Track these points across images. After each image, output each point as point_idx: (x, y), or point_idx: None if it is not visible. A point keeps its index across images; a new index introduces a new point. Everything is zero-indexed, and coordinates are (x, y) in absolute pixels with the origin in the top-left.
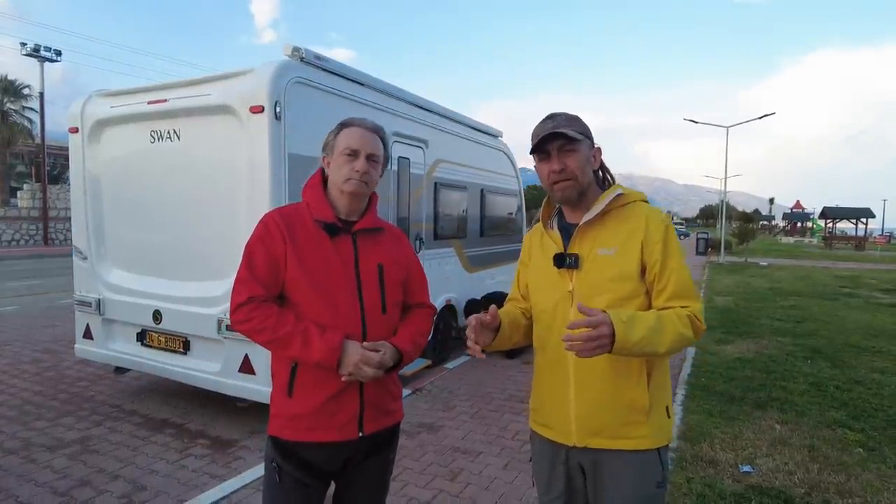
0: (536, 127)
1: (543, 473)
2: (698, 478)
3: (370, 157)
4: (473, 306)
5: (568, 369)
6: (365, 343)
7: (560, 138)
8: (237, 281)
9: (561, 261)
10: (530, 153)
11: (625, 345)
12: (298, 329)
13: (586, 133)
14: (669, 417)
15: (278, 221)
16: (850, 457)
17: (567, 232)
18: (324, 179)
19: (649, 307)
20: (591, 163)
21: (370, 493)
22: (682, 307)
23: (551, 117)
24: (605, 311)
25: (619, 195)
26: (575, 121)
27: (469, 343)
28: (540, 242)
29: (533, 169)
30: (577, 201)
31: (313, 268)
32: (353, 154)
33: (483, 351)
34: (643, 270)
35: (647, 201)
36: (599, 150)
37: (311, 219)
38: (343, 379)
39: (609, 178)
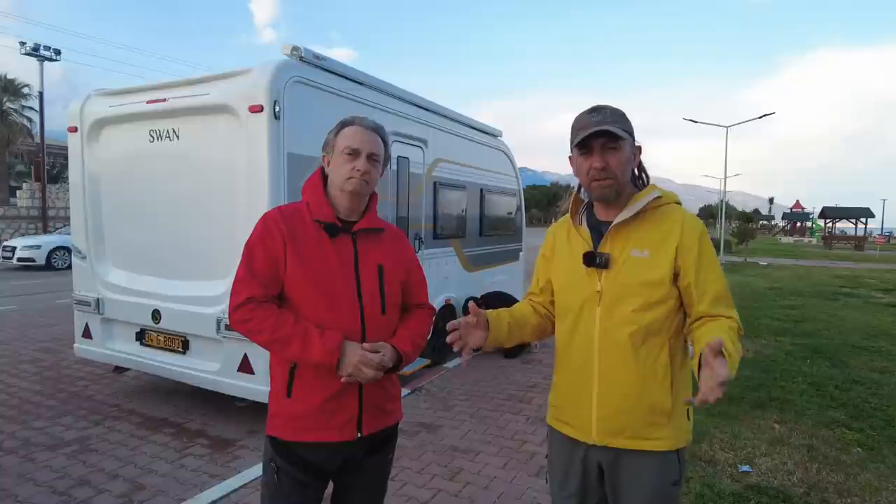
0: (580, 118)
1: (559, 470)
2: (697, 477)
3: (371, 157)
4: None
5: (593, 370)
6: (365, 344)
7: (605, 135)
8: (236, 281)
9: (591, 260)
10: (573, 146)
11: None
12: (298, 330)
13: (630, 131)
14: (689, 420)
15: (278, 221)
16: (848, 456)
17: (597, 230)
18: (323, 178)
19: (675, 312)
20: (631, 162)
21: (369, 492)
22: (726, 317)
23: (597, 110)
24: (721, 351)
25: (656, 197)
26: (621, 117)
27: (455, 348)
28: (567, 238)
29: (532, 169)
30: (616, 198)
31: (313, 268)
32: (354, 153)
33: (476, 349)
34: (675, 276)
35: (680, 203)
36: (640, 149)
37: (311, 218)
38: (342, 380)
39: (644, 176)
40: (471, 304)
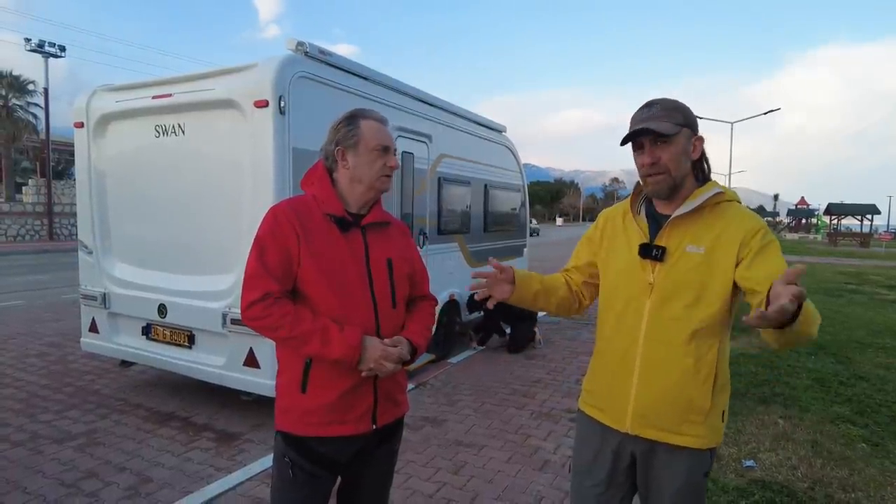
0: (634, 115)
1: (587, 457)
2: None
3: (394, 152)
4: (476, 301)
5: (634, 361)
6: (385, 339)
7: (645, 133)
8: (249, 276)
9: (646, 251)
10: (621, 144)
11: (799, 324)
12: (317, 326)
13: (686, 122)
14: (724, 421)
15: (289, 214)
16: (853, 452)
17: (655, 221)
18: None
19: (727, 313)
20: (688, 154)
21: (378, 482)
22: None
23: (649, 105)
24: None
25: (717, 193)
26: (673, 110)
27: (477, 297)
28: (623, 226)
29: (536, 165)
30: (670, 195)
31: (326, 262)
32: (386, 150)
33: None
34: (736, 269)
35: (740, 202)
36: (701, 139)
37: (321, 212)
38: (363, 374)
39: (707, 168)
40: (492, 260)
